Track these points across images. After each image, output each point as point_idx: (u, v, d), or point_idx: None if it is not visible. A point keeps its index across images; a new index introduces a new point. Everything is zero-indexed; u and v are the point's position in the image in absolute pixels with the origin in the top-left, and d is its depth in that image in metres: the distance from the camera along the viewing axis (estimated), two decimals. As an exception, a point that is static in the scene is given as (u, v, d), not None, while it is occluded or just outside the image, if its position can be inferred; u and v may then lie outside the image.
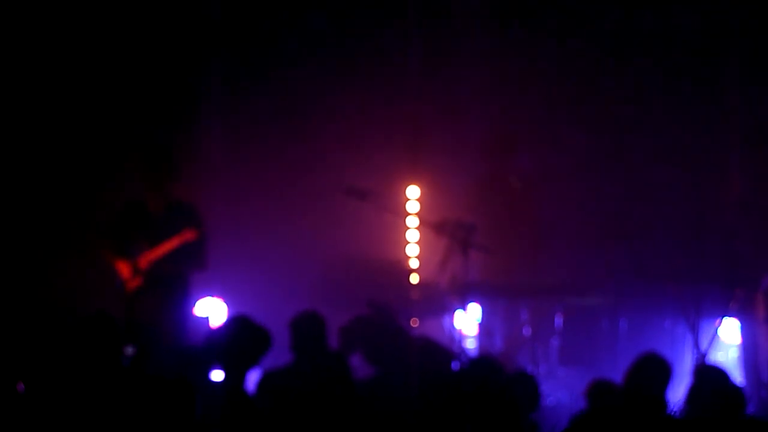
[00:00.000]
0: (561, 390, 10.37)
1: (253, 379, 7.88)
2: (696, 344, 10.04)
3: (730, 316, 10.00)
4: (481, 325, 11.04)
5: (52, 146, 11.32)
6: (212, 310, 10.61)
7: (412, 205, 11.60)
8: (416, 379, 7.46)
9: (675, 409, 7.08)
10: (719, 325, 10.10)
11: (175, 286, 9.63)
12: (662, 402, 7.12)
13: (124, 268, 9.53)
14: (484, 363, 7.45)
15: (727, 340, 10.26)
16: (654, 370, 7.32)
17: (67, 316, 7.66)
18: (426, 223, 11.26)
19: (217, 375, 7.21)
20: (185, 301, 9.70)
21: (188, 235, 9.47)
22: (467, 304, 10.68)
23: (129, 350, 7.40)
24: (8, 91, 11.16)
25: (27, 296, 10.78)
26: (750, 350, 9.85)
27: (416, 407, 6.88)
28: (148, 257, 9.50)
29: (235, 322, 7.48)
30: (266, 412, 7.19)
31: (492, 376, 6.94)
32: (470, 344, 10.76)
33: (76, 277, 10.77)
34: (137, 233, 9.60)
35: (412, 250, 11.63)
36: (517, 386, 6.94)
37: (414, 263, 11.60)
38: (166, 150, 9.66)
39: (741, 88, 10.88)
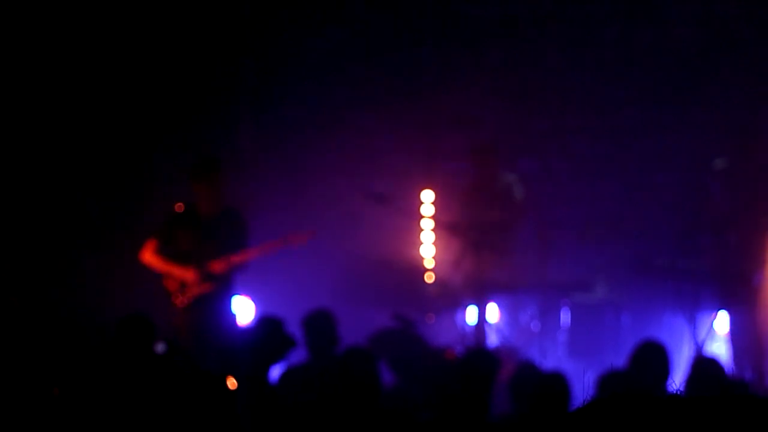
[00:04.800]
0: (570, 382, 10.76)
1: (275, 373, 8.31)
2: (693, 336, 10.43)
3: (723, 310, 10.41)
4: (491, 320, 11.40)
5: (94, 151, 11.29)
6: (241, 308, 10.56)
7: (427, 208, 11.86)
8: (433, 389, 7.58)
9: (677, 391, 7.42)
10: (714, 318, 10.50)
11: (229, 289, 9.69)
12: (663, 386, 7.29)
13: (188, 274, 9.42)
14: (479, 354, 7.78)
15: (721, 332, 10.69)
16: (653, 356, 7.60)
17: (102, 318, 7.90)
18: (440, 225, 11.77)
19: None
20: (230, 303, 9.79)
21: (294, 239, 9.62)
22: (480, 300, 11.16)
23: (160, 347, 7.67)
24: (52, 95, 11.08)
25: (61, 299, 10.83)
26: (738, 341, 10.24)
27: (432, 415, 7.05)
28: (231, 261, 9.43)
29: (265, 324, 7.77)
30: (287, 406, 7.53)
31: (486, 365, 7.29)
32: (482, 338, 11.22)
33: (118, 280, 10.78)
34: (189, 237, 9.50)
35: (428, 251, 11.88)
36: (549, 385, 7.07)
37: (429, 263, 11.87)
38: (217, 160, 9.66)
39: (737, 94, 11.24)
